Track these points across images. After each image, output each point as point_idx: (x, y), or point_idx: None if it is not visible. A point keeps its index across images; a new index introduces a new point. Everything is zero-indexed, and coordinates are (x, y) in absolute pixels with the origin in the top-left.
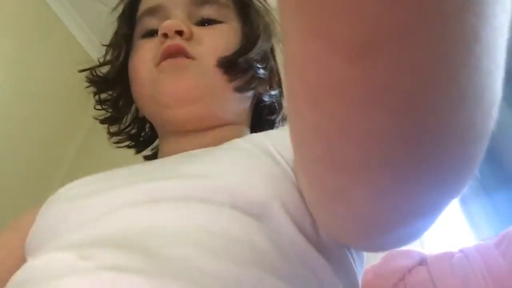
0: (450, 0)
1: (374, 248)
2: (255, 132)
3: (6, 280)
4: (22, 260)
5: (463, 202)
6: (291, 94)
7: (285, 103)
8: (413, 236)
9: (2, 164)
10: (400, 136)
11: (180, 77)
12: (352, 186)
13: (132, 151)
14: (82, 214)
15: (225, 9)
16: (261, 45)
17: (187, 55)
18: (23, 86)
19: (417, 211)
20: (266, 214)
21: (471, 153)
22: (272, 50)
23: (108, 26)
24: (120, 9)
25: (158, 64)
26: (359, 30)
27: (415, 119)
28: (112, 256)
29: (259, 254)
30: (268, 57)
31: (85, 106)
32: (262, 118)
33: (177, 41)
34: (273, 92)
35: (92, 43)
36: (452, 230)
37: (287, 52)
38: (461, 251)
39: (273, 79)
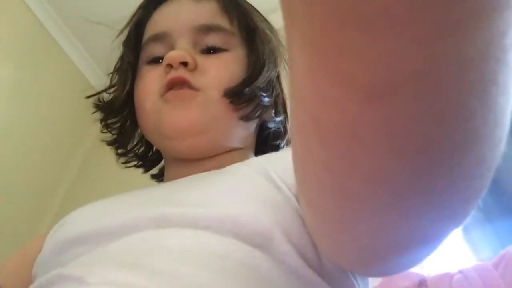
0: (473, 46)
1: (376, 274)
2: (260, 154)
3: None
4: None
5: (464, 228)
6: (298, 127)
7: (290, 131)
8: (415, 262)
9: (2, 185)
10: (410, 175)
11: (184, 109)
12: (357, 219)
13: (127, 176)
14: (89, 241)
15: (230, 37)
16: (266, 73)
17: (191, 87)
18: (22, 111)
19: (420, 241)
20: (268, 244)
21: (478, 186)
22: (278, 76)
23: (107, 51)
24: (124, 33)
25: (163, 94)
26: (378, 72)
27: (427, 160)
28: (118, 274)
29: (264, 279)
30: (273, 84)
31: (83, 129)
32: (266, 144)
33: (181, 72)
34: (278, 119)
35: (91, 68)
36: (451, 251)
37: (295, 87)
38: (460, 272)
39: (279, 105)
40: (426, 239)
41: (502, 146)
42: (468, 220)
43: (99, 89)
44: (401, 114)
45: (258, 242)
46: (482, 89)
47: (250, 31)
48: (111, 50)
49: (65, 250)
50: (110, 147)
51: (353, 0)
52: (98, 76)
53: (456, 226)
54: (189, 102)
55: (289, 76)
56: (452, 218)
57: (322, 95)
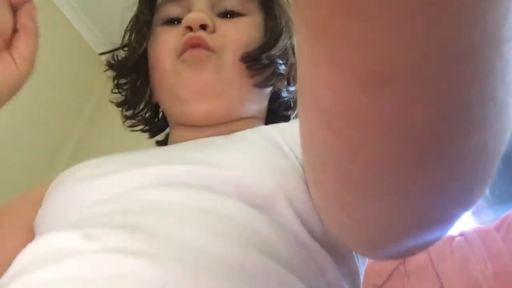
0: (471, 37)
1: (382, 257)
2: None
3: (14, 255)
4: (31, 234)
5: None
6: (303, 111)
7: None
8: (423, 246)
9: (6, 148)
10: (410, 160)
11: (201, 71)
12: (362, 201)
13: (129, 140)
14: (90, 196)
15: (248, 1)
16: (283, 41)
17: (208, 48)
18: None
19: (426, 225)
20: (270, 207)
21: (480, 173)
22: (293, 46)
23: (108, 17)
24: None
25: (180, 55)
26: (374, 62)
27: (427, 146)
28: (116, 238)
29: (263, 242)
30: (288, 53)
31: (86, 94)
32: (277, 113)
33: (200, 33)
34: (291, 88)
35: (92, 33)
36: None
37: (300, 73)
38: (461, 234)
39: (292, 75)
40: (432, 223)
41: (505, 138)
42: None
43: (99, 50)
44: (400, 101)
45: (260, 204)
46: (480, 79)
47: None
48: (113, 13)
49: (66, 206)
50: (118, 108)
51: None
52: (98, 38)
53: (463, 211)
54: (205, 63)
55: (297, 62)
56: (457, 202)
57: (325, 81)
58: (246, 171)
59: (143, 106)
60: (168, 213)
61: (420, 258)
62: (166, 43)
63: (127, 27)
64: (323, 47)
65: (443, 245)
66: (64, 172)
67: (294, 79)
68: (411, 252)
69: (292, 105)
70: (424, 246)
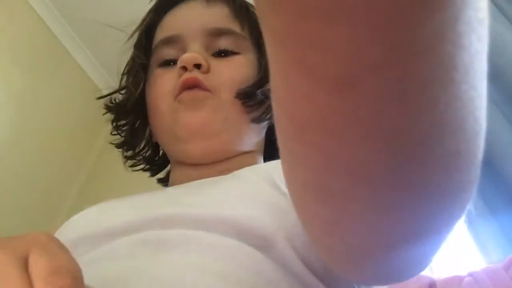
0: (427, 33)
1: (373, 281)
2: (268, 159)
3: None
4: None
5: (470, 223)
6: (279, 128)
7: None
8: (412, 267)
9: (12, 193)
10: (385, 165)
11: (198, 110)
12: (342, 218)
13: (136, 180)
14: (93, 239)
15: (241, 40)
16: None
17: (204, 88)
18: (33, 117)
19: (410, 239)
20: (271, 248)
21: (457, 181)
22: None
23: (114, 58)
24: (134, 37)
25: (176, 96)
26: (339, 62)
27: (398, 148)
28: (119, 284)
29: (266, 282)
30: None
31: (93, 135)
32: (275, 146)
33: (195, 74)
34: None
35: (100, 75)
36: (460, 253)
37: (272, 86)
38: (470, 274)
39: None
40: (416, 237)
41: (480, 141)
42: (478, 222)
43: (106, 92)
44: (367, 102)
45: (260, 244)
46: (442, 75)
47: (260, 35)
48: (119, 55)
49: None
50: (119, 149)
51: None
52: (106, 80)
53: (448, 221)
54: (202, 103)
55: (270, 82)
56: (439, 214)
57: (293, 89)
58: (244, 212)
59: (143, 145)
60: (169, 257)
61: None
62: (163, 85)
63: (124, 70)
64: (290, 53)
65: (452, 286)
66: (69, 219)
67: None
68: (402, 273)
69: None
70: (414, 266)
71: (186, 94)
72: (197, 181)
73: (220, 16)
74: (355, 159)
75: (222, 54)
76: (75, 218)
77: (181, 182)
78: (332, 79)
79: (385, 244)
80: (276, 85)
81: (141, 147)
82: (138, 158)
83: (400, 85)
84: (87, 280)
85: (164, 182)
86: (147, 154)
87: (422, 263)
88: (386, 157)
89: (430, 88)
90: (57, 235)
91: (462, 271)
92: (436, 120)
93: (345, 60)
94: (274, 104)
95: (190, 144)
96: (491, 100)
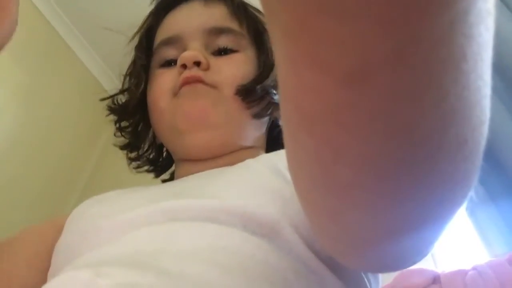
0: (440, 25)
1: (379, 268)
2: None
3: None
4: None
5: (471, 211)
6: (285, 119)
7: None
8: (413, 254)
9: (16, 190)
10: (394, 157)
11: (197, 99)
12: (346, 208)
13: (139, 177)
14: (101, 234)
15: (240, 38)
16: (276, 72)
17: (205, 84)
18: (37, 115)
19: (415, 227)
20: (276, 235)
21: (463, 170)
22: None
23: (119, 56)
24: (136, 39)
25: (176, 93)
26: (351, 57)
27: (408, 140)
28: (127, 274)
29: (272, 271)
30: None
31: (97, 133)
32: (277, 141)
33: (195, 71)
34: None
35: (104, 73)
36: (464, 246)
37: (280, 79)
38: (474, 268)
39: None
40: (419, 224)
41: (485, 130)
42: (479, 209)
43: (112, 92)
44: (378, 96)
45: (265, 232)
46: (453, 66)
47: (259, 33)
48: (123, 55)
49: (78, 245)
50: (123, 151)
51: None
52: (111, 79)
53: (451, 210)
54: (203, 94)
55: (277, 71)
56: (443, 202)
57: (303, 83)
58: (249, 201)
59: (147, 147)
60: (177, 249)
61: None
62: (163, 83)
63: (126, 72)
64: (302, 49)
65: (456, 279)
66: (77, 209)
67: None
68: (405, 260)
69: None
70: (418, 253)
71: (187, 87)
72: (201, 173)
73: (219, 16)
74: (364, 152)
75: (222, 53)
76: (81, 209)
77: (185, 175)
78: (344, 74)
79: (389, 232)
80: (285, 79)
81: (145, 149)
82: (142, 159)
83: (412, 78)
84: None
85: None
86: (151, 155)
87: (424, 250)
88: (396, 149)
89: (442, 80)
90: (67, 223)
91: (466, 265)
92: (447, 111)
93: (357, 54)
94: (281, 97)
95: (190, 135)
96: (492, 88)
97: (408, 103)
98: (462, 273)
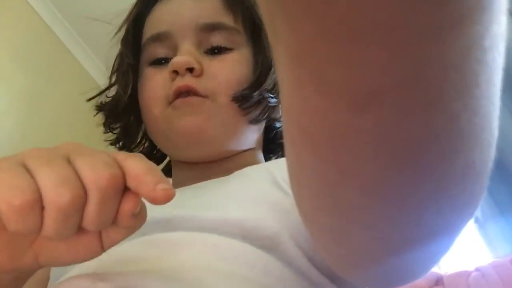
0: (454, 50)
1: (382, 285)
2: (268, 155)
3: None
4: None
5: (479, 222)
6: (289, 139)
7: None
8: (416, 271)
9: None
10: (402, 181)
11: (193, 116)
12: (350, 228)
13: None
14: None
15: (235, 34)
16: (274, 75)
17: (198, 95)
18: (37, 117)
19: (415, 244)
20: (276, 247)
21: (469, 192)
22: None
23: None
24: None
25: (171, 102)
26: (364, 81)
27: (417, 166)
28: (127, 279)
29: (272, 280)
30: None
31: (96, 134)
32: (274, 142)
33: (188, 80)
34: None
35: (104, 76)
36: (468, 248)
37: (283, 99)
38: (477, 269)
39: None
40: (423, 242)
41: (492, 152)
42: (487, 221)
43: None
44: (388, 121)
45: (266, 244)
46: (465, 92)
47: (255, 28)
48: (114, 48)
49: None
50: (113, 147)
51: (339, 13)
52: (108, 79)
53: (455, 231)
54: (197, 108)
55: (280, 92)
56: (449, 221)
57: (310, 105)
58: (248, 213)
59: (139, 141)
60: (176, 256)
61: None
62: (155, 89)
63: (112, 68)
64: (308, 73)
65: (459, 281)
66: None
67: None
68: (407, 277)
69: None
70: (422, 269)
71: (181, 101)
72: (200, 183)
73: (212, 9)
74: (371, 175)
75: (215, 51)
76: None
77: (183, 183)
78: (353, 97)
79: (393, 251)
80: (289, 100)
81: (137, 142)
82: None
83: (422, 104)
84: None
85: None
86: (144, 148)
87: (429, 265)
88: (404, 172)
89: (453, 105)
90: None
91: (469, 266)
92: (457, 135)
93: (367, 78)
94: (285, 116)
95: (186, 150)
96: (501, 100)
97: (418, 127)
98: (465, 274)
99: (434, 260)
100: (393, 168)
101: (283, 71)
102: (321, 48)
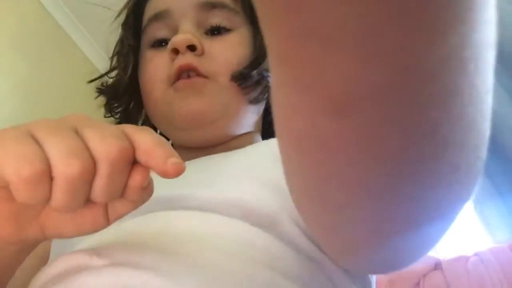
0: (434, 59)
1: (374, 271)
2: (267, 138)
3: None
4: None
5: (477, 204)
6: (279, 138)
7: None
8: (406, 258)
9: None
10: (385, 182)
11: (195, 98)
12: (341, 223)
13: None
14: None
15: (234, 15)
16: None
17: (200, 74)
18: (39, 105)
19: (405, 233)
20: (276, 226)
21: (457, 190)
22: None
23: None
24: (123, 15)
25: (172, 84)
26: (336, 86)
27: (398, 169)
28: (125, 254)
29: (272, 258)
30: None
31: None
32: (272, 125)
33: (189, 59)
34: None
35: (104, 62)
36: (466, 233)
37: (273, 99)
38: (476, 254)
39: None
40: (414, 231)
41: (482, 152)
42: (484, 202)
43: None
44: (367, 125)
45: (265, 223)
46: (446, 100)
47: (254, 9)
48: (114, 34)
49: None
50: None
51: (313, 17)
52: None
53: (449, 219)
54: (199, 90)
55: (271, 89)
56: (441, 212)
57: (294, 108)
58: (248, 192)
59: (140, 124)
60: (176, 235)
61: (435, 280)
62: (156, 71)
63: (113, 52)
64: (289, 73)
65: (457, 266)
66: None
67: None
68: (398, 264)
69: None
70: (413, 256)
71: (182, 83)
72: (201, 159)
73: None
74: (355, 175)
75: (215, 32)
76: None
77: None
78: (331, 101)
79: (385, 241)
80: (275, 98)
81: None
82: None
83: (401, 109)
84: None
85: None
86: None
87: (425, 250)
88: (386, 174)
89: (433, 112)
90: None
91: (468, 251)
92: (437, 141)
93: (345, 83)
94: (276, 117)
95: (187, 132)
96: (497, 80)
97: (397, 132)
98: (464, 259)
99: (430, 245)
100: (376, 170)
101: (272, 71)
102: (298, 51)
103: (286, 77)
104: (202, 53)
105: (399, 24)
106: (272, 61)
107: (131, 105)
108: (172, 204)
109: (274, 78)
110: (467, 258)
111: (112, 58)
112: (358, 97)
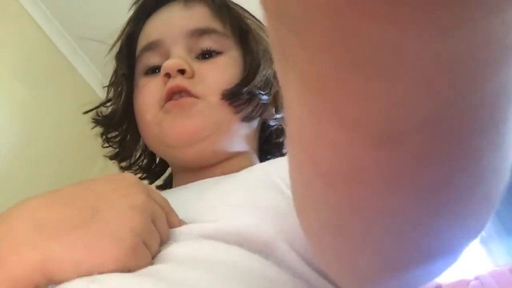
0: (487, 91)
1: None
2: (264, 156)
3: None
4: None
5: (482, 240)
6: (296, 166)
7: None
8: (419, 285)
9: (23, 192)
10: (416, 215)
11: (185, 118)
12: (354, 251)
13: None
14: None
15: (224, 38)
16: (263, 72)
17: (190, 94)
18: (38, 130)
19: (418, 264)
20: (272, 252)
21: (483, 220)
22: (274, 74)
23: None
24: (117, 46)
25: (163, 106)
26: (390, 118)
27: (434, 202)
28: (122, 281)
29: (271, 283)
30: (271, 82)
31: (97, 147)
32: (270, 142)
33: (179, 81)
34: (279, 116)
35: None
36: (467, 257)
37: (292, 129)
38: (476, 278)
39: (278, 101)
40: (427, 261)
41: (507, 178)
42: (494, 240)
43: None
44: (408, 159)
45: (262, 250)
46: (492, 129)
47: (243, 32)
48: (111, 65)
49: None
50: (113, 161)
51: (363, 45)
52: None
53: (460, 252)
54: (189, 110)
55: (285, 113)
56: (455, 246)
57: (326, 139)
58: (244, 221)
59: (139, 154)
60: (174, 260)
61: None
62: (148, 95)
63: (109, 82)
64: (326, 103)
65: None
66: None
67: (281, 106)
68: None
69: (283, 131)
70: (422, 283)
71: (172, 104)
72: (199, 183)
73: (200, 17)
74: (384, 208)
75: (206, 56)
76: None
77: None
78: (374, 135)
79: (396, 271)
80: (301, 130)
81: (136, 157)
82: (134, 167)
83: (446, 143)
84: None
85: (163, 188)
86: (143, 163)
87: (430, 279)
88: (418, 207)
89: (478, 142)
90: None
91: (469, 275)
92: (479, 172)
93: (393, 116)
94: (295, 147)
95: (181, 150)
96: None
97: (440, 165)
98: (464, 283)
99: (436, 275)
100: (408, 203)
101: (293, 98)
102: (342, 82)
103: (322, 108)
104: (192, 76)
105: (457, 56)
106: (302, 92)
107: (128, 134)
108: (173, 235)
109: (301, 110)
110: (467, 282)
111: (108, 88)
112: (408, 129)
